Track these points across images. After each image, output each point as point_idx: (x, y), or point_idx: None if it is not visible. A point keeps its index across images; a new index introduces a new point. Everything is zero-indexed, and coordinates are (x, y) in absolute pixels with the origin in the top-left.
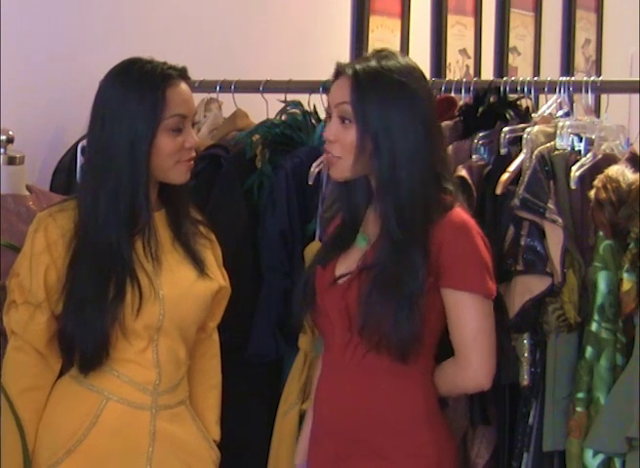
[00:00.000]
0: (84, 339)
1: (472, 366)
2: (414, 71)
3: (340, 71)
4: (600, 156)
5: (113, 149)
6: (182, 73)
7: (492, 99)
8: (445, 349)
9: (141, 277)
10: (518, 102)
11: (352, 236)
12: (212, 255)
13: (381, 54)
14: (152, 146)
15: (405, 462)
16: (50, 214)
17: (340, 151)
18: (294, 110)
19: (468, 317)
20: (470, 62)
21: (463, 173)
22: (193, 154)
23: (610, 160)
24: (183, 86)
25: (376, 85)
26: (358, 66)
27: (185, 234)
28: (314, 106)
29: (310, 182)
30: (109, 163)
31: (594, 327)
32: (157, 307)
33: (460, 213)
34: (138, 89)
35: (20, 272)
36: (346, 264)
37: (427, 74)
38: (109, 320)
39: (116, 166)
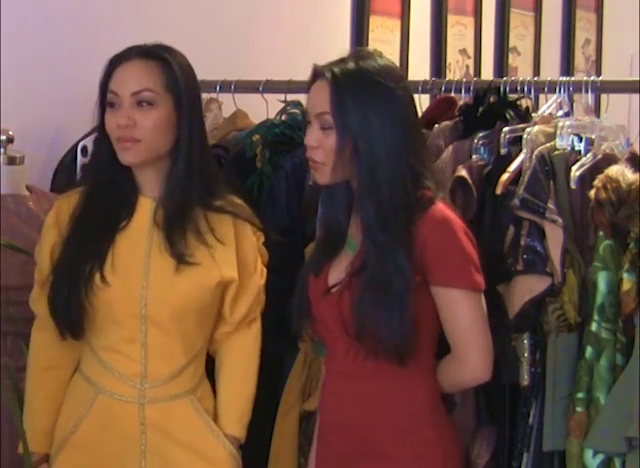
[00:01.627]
0: (57, 299)
1: (470, 360)
2: (392, 71)
3: (317, 74)
4: (600, 156)
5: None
6: (140, 51)
7: (492, 99)
8: (447, 347)
9: (131, 266)
10: (518, 102)
11: (341, 241)
12: (229, 248)
13: (360, 54)
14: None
15: (410, 463)
16: (66, 195)
17: (323, 157)
18: (294, 110)
19: (460, 313)
20: (470, 62)
21: (463, 173)
22: (130, 134)
23: (610, 160)
24: (132, 64)
25: (355, 88)
26: (336, 69)
27: (183, 227)
28: None
29: (310, 182)
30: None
31: (594, 327)
32: (138, 294)
33: (442, 207)
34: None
35: (35, 251)
36: (338, 271)
37: (427, 74)
38: (82, 290)
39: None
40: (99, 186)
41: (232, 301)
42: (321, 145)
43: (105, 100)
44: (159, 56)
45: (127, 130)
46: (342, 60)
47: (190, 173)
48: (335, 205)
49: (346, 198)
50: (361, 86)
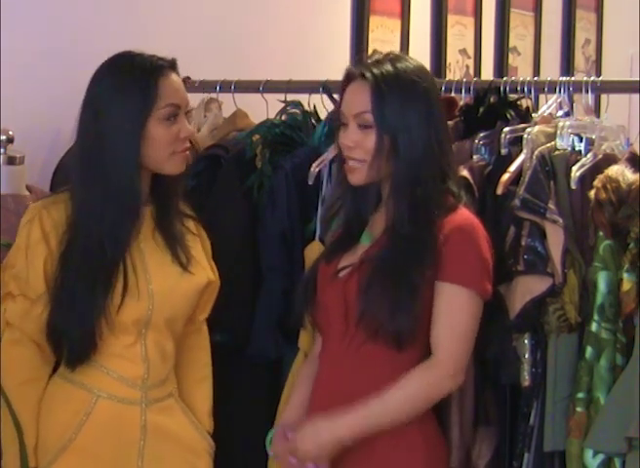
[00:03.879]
0: (72, 333)
1: (448, 360)
2: (425, 72)
3: (353, 75)
4: (600, 156)
5: (104, 141)
6: (172, 64)
7: (492, 99)
8: None
9: (130, 272)
10: (518, 102)
11: (357, 237)
12: (201, 250)
13: (392, 56)
14: (145, 137)
15: (393, 456)
16: (43, 206)
17: (362, 155)
18: (294, 110)
19: (460, 311)
20: (470, 62)
21: (464, 173)
22: (188, 144)
23: (610, 160)
24: (174, 77)
25: (395, 88)
26: (376, 70)
27: (172, 230)
28: (314, 106)
29: (310, 182)
30: (99, 155)
31: (594, 327)
32: (146, 302)
33: (467, 212)
34: (128, 79)
35: (16, 263)
36: (350, 259)
37: None
38: (97, 314)
39: (106, 159)
40: (93, 197)
41: (205, 301)
42: (360, 145)
43: (149, 112)
44: (177, 68)
45: (187, 141)
46: (378, 62)
47: (179, 178)
48: (362, 204)
49: (375, 198)
50: (400, 86)
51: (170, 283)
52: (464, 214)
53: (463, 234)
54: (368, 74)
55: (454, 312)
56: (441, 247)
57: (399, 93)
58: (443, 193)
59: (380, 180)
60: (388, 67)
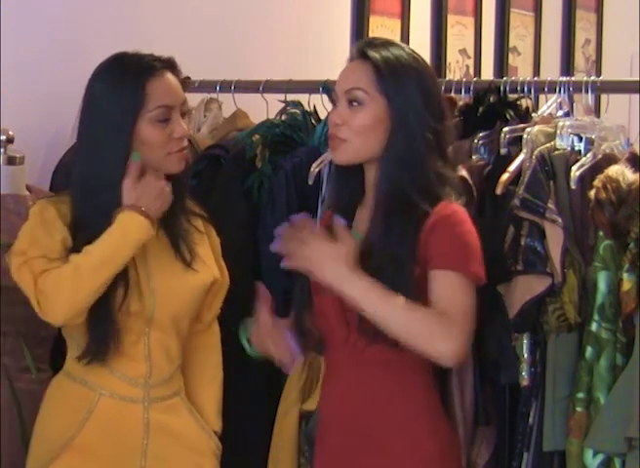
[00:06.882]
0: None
1: (446, 341)
2: (418, 56)
3: (351, 56)
4: (600, 156)
5: (96, 143)
6: (167, 64)
7: (492, 99)
8: None
9: (131, 270)
10: (518, 102)
11: None
12: (208, 248)
13: (385, 40)
14: (138, 139)
15: (406, 456)
16: (50, 202)
17: (347, 134)
18: (294, 110)
19: (453, 294)
20: (470, 62)
21: (463, 173)
22: (185, 144)
23: (610, 160)
24: (169, 76)
25: (393, 64)
26: (372, 49)
27: (176, 228)
28: (314, 106)
29: (310, 182)
30: (93, 157)
31: (594, 327)
32: (148, 300)
33: (451, 203)
34: (119, 81)
35: (37, 233)
36: None
37: None
38: (115, 322)
39: (98, 160)
40: (88, 197)
41: (212, 299)
42: (347, 122)
43: (137, 114)
44: (174, 67)
45: (184, 140)
46: (374, 44)
47: (183, 177)
48: (346, 196)
49: (359, 188)
50: (400, 65)
51: (172, 281)
52: (448, 206)
53: (448, 221)
54: (367, 51)
55: (448, 296)
56: (426, 239)
57: (398, 68)
58: (434, 181)
59: (364, 168)
60: (384, 46)
